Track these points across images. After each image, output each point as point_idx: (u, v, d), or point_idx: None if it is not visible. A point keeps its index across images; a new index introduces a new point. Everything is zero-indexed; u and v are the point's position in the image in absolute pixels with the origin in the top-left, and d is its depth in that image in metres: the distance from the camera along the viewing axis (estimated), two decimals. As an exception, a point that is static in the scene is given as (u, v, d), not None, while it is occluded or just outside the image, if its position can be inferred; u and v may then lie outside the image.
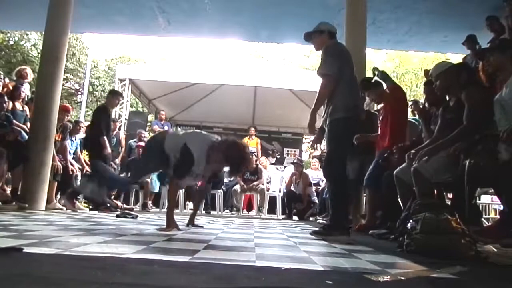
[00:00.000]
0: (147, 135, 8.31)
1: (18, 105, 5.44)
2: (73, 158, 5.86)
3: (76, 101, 19.20)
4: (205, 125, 11.32)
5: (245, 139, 9.42)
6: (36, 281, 1.02)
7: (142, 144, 7.43)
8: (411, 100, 5.87)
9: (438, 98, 3.23)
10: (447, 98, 3.11)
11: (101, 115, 5.48)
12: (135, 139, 7.72)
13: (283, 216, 6.95)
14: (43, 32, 5.58)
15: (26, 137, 5.05)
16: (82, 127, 6.33)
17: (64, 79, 6.49)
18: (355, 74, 3.13)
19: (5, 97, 4.93)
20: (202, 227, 3.32)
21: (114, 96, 5.80)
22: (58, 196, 5.61)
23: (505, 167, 2.35)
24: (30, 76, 5.94)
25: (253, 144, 9.27)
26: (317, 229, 3.00)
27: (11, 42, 15.96)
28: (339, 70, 2.90)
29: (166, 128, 9.41)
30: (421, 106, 4.99)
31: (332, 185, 2.97)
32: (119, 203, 6.23)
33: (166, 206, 6.76)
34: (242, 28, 7.17)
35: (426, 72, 5.10)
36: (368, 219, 3.93)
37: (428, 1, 5.64)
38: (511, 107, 2.49)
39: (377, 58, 17.60)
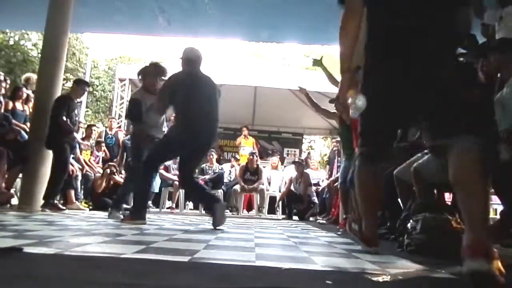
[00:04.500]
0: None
1: (19, 105, 5.45)
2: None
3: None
4: (205, 125, 11.28)
5: (240, 139, 9.23)
6: (36, 281, 1.02)
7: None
8: None
9: None
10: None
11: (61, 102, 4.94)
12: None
13: (283, 216, 6.95)
14: (43, 32, 5.58)
15: (26, 137, 5.04)
16: (81, 127, 6.32)
17: (64, 79, 6.46)
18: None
19: (2, 97, 4.91)
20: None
21: (79, 85, 5.36)
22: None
23: (505, 167, 2.35)
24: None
25: (248, 144, 9.05)
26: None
27: (11, 42, 15.93)
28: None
29: None
30: None
31: None
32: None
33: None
34: (242, 28, 7.16)
35: None
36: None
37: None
38: (511, 106, 2.49)
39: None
